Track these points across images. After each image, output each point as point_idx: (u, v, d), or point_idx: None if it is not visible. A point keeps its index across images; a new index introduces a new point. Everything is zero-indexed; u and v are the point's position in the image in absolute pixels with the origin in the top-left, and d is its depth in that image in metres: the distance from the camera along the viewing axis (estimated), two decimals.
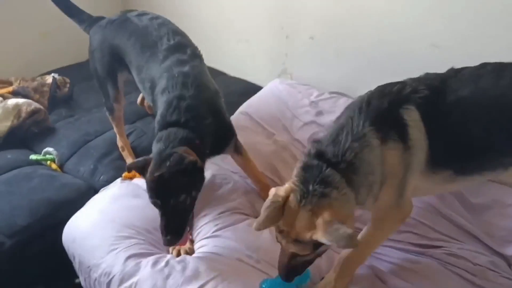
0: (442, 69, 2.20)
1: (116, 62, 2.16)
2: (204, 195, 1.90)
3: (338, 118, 1.50)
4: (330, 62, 2.73)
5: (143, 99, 2.71)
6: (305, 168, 1.37)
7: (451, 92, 1.44)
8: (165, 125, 1.69)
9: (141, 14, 2.17)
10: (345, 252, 1.55)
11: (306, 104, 2.59)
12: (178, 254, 1.76)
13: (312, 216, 1.28)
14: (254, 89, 2.90)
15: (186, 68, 1.85)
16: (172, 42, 1.98)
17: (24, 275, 2.09)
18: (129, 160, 2.38)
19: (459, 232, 1.87)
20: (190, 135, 1.66)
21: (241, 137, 2.33)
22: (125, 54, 2.09)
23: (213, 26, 3.22)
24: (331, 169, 1.33)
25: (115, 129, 2.42)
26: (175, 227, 1.57)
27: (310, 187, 1.31)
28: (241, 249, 1.74)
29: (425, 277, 1.65)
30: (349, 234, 1.22)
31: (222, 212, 1.94)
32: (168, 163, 1.54)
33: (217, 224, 1.87)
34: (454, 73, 1.50)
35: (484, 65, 1.51)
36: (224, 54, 3.25)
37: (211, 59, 3.29)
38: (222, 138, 1.93)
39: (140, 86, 2.07)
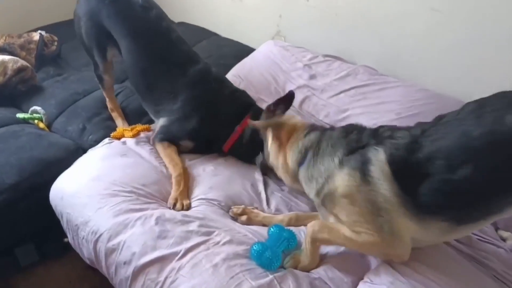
0: (441, 33, 2.20)
1: (105, 37, 2.15)
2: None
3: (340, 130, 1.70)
4: (325, 24, 2.67)
5: None
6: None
7: (432, 140, 1.40)
8: None
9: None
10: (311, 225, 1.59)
11: (300, 67, 2.55)
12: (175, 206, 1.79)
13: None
14: (247, 51, 2.85)
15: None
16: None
17: (13, 233, 2.09)
18: (118, 121, 2.36)
19: None
20: None
21: None
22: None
23: None
24: (320, 135, 1.70)
25: (104, 94, 2.40)
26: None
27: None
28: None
29: None
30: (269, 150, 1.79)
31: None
32: None
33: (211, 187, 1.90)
34: (435, 121, 1.48)
35: (465, 106, 1.45)
36: (217, 14, 3.18)
37: (203, 19, 3.24)
38: None
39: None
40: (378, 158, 1.46)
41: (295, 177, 1.74)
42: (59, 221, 1.89)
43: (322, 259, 1.60)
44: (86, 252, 1.75)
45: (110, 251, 1.62)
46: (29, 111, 2.46)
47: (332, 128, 1.76)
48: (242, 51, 2.85)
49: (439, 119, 1.46)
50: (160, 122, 2.08)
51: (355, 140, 1.57)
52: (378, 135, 1.54)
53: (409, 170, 1.41)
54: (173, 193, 1.84)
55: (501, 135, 1.29)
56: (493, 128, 1.30)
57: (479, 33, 2.08)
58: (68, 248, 1.91)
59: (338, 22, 2.61)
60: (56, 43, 2.99)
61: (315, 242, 1.55)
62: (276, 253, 1.55)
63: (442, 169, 1.35)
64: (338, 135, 1.64)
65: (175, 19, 3.28)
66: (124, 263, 1.57)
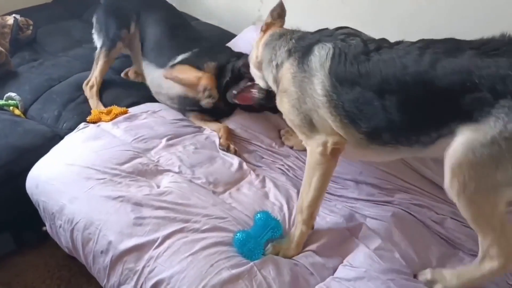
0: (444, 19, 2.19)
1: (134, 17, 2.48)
2: None
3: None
4: (306, 9, 2.64)
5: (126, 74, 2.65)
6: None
7: (378, 60, 1.47)
8: None
9: None
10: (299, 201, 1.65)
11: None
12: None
13: None
14: (228, 36, 2.81)
15: None
16: None
17: None
18: (93, 101, 2.33)
19: (426, 182, 1.90)
20: None
21: None
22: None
23: None
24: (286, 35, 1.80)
25: (98, 66, 2.41)
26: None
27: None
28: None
29: (394, 226, 1.68)
30: None
31: None
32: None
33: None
34: (391, 44, 1.54)
35: (419, 41, 1.49)
36: None
37: (183, 3, 3.18)
38: None
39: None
40: (321, 52, 1.58)
41: (259, 66, 1.87)
42: (36, 209, 1.87)
43: (303, 247, 1.61)
44: (64, 240, 1.74)
45: (86, 240, 1.61)
46: (4, 98, 2.39)
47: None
48: (223, 36, 2.81)
49: (397, 43, 1.53)
50: (178, 58, 2.30)
51: (312, 37, 1.69)
52: (334, 34, 1.64)
53: (346, 75, 1.51)
54: (223, 139, 2.08)
55: (427, 78, 1.37)
56: (425, 69, 1.37)
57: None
58: (46, 237, 1.88)
59: (320, 7, 2.59)
60: (31, 28, 2.90)
61: (308, 225, 1.62)
62: (259, 244, 1.55)
63: (373, 87, 1.45)
64: (305, 33, 1.76)
65: None
66: (101, 252, 1.56)
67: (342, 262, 1.56)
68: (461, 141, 1.35)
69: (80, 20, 3.20)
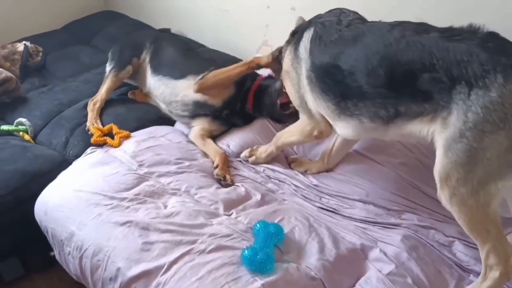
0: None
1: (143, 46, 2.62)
2: None
3: None
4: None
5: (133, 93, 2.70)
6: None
7: (347, 36, 1.62)
8: None
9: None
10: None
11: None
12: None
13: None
14: (234, 62, 2.82)
15: None
16: None
17: None
18: (91, 114, 2.36)
19: (432, 201, 1.88)
20: None
21: None
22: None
23: None
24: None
25: (105, 84, 2.48)
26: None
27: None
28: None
29: (404, 250, 1.67)
30: None
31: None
32: None
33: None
34: (363, 24, 1.68)
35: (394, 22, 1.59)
36: (203, 25, 3.17)
37: (190, 31, 3.24)
38: None
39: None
40: (306, 36, 1.73)
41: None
42: (45, 235, 1.88)
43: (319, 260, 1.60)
44: (72, 268, 1.74)
45: (95, 267, 1.61)
46: (14, 123, 2.43)
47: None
48: (229, 62, 2.82)
49: (372, 22, 1.68)
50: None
51: (307, 22, 1.84)
52: (317, 19, 1.78)
53: (320, 52, 1.67)
54: (219, 169, 2.06)
55: (391, 51, 1.47)
56: (390, 42, 1.47)
57: None
58: (54, 262, 1.88)
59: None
60: (41, 54, 2.96)
61: (278, 148, 2.06)
62: (267, 254, 1.53)
63: (340, 58, 1.59)
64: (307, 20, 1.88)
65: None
66: (110, 279, 1.56)
67: (355, 284, 1.56)
68: (440, 143, 1.40)
69: (88, 45, 3.26)
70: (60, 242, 1.74)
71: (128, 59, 2.54)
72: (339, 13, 1.76)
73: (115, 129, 2.24)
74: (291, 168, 2.13)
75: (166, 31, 3.12)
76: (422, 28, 1.47)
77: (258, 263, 1.50)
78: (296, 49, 1.78)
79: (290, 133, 2.00)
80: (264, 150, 2.10)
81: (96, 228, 1.67)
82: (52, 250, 1.88)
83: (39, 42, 3.04)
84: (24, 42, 2.92)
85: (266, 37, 2.90)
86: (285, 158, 2.22)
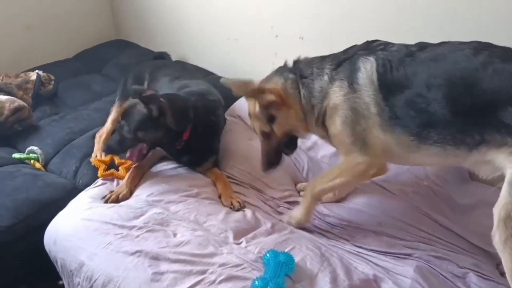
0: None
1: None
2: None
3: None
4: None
5: None
6: (283, 66, 1.91)
7: (425, 59, 1.52)
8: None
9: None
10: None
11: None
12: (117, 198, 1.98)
13: (264, 90, 1.81)
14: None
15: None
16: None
17: (7, 276, 2.05)
18: (96, 146, 2.38)
19: (445, 231, 1.88)
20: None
21: (230, 139, 2.37)
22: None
23: (201, 24, 3.19)
24: (294, 75, 1.80)
25: (111, 115, 2.49)
26: (117, 145, 2.06)
27: (274, 76, 1.87)
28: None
29: (417, 283, 1.64)
30: (265, 100, 1.79)
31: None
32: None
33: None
34: (432, 46, 1.58)
35: (472, 42, 1.52)
36: (212, 54, 3.22)
37: (199, 59, 3.28)
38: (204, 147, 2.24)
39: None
40: (367, 66, 1.58)
41: (305, 123, 1.82)
42: (54, 264, 1.87)
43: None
44: None
45: None
46: (26, 151, 2.45)
47: (297, 60, 1.86)
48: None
49: (443, 43, 1.56)
50: None
51: (341, 53, 1.72)
52: (370, 47, 1.65)
53: (394, 81, 1.53)
54: (223, 199, 2.05)
55: (476, 77, 1.39)
56: (476, 67, 1.39)
57: None
58: None
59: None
60: (53, 82, 3.01)
61: (315, 198, 1.84)
62: (278, 284, 1.51)
63: (421, 85, 1.48)
64: (319, 58, 1.77)
65: (172, 58, 3.33)
66: None
67: None
68: (509, 178, 1.34)
69: (99, 74, 3.31)
70: (70, 272, 1.73)
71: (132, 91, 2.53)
72: (385, 42, 1.67)
73: (117, 159, 2.25)
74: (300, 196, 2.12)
75: (162, 55, 3.13)
76: (510, 55, 1.41)
77: None
78: (352, 83, 1.61)
79: (333, 176, 1.79)
80: (298, 210, 1.89)
81: (105, 258, 1.66)
82: (61, 279, 1.86)
83: (51, 70, 3.09)
84: (37, 71, 2.97)
85: (275, 65, 2.91)
86: (294, 185, 2.21)
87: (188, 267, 1.61)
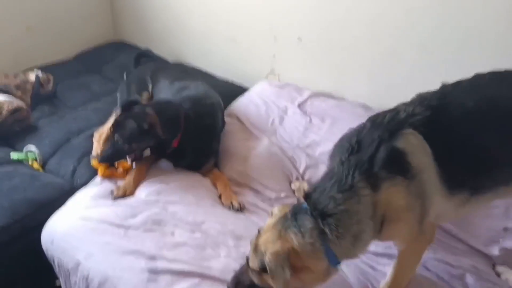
0: (428, 70, 2.24)
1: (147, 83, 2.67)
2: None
3: (332, 157, 1.48)
4: (318, 63, 2.72)
5: None
6: (296, 206, 1.43)
7: (455, 106, 1.37)
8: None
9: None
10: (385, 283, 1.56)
11: (294, 106, 2.58)
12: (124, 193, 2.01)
13: (275, 239, 1.35)
14: (241, 90, 2.88)
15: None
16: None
17: (3, 276, 2.04)
18: (97, 146, 2.34)
19: (442, 233, 1.88)
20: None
21: (227, 140, 2.36)
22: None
23: (200, 25, 3.20)
24: (311, 216, 1.35)
25: (113, 115, 2.42)
26: (110, 155, 2.10)
27: (290, 222, 1.37)
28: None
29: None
30: (285, 278, 1.29)
31: None
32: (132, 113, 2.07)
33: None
34: (452, 88, 1.44)
35: (480, 76, 1.45)
36: (211, 54, 3.22)
37: (197, 59, 3.29)
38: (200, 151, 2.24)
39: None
40: (412, 143, 1.33)
41: (331, 271, 1.43)
42: (51, 264, 1.87)
43: None
44: None
45: None
46: (24, 149, 2.45)
47: (308, 192, 1.42)
48: (236, 91, 2.88)
49: (454, 85, 1.44)
50: None
51: (360, 154, 1.36)
52: (392, 121, 1.39)
53: (442, 143, 1.35)
54: (223, 198, 2.07)
55: None
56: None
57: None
58: None
59: (330, 61, 2.66)
60: (52, 83, 3.01)
61: None
62: None
63: (470, 135, 1.34)
64: (331, 176, 1.38)
65: (170, 59, 3.34)
66: None
67: None
68: None
69: (99, 74, 3.30)
70: (67, 271, 1.73)
71: (138, 95, 2.58)
72: (400, 109, 1.43)
73: (126, 166, 2.22)
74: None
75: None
76: None
77: None
78: (404, 171, 1.32)
79: (406, 272, 1.56)
80: None
81: (102, 258, 1.66)
82: (58, 279, 1.86)
83: (50, 71, 3.08)
84: (36, 72, 2.97)
85: (273, 66, 2.94)
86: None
87: (185, 269, 1.61)
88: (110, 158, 2.13)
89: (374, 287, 1.68)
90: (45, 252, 1.87)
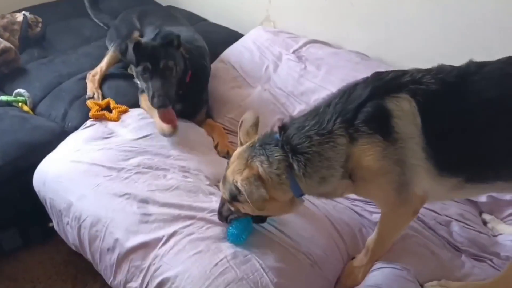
0: (429, 20, 2.18)
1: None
2: None
3: (322, 100, 1.46)
4: (314, 10, 2.64)
5: None
6: (267, 136, 1.45)
7: (472, 92, 1.27)
8: None
9: None
10: (371, 240, 1.56)
11: (289, 53, 2.53)
12: None
13: (245, 167, 1.38)
14: (235, 36, 2.81)
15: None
16: None
17: None
18: (91, 85, 2.35)
19: None
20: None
21: (220, 87, 2.33)
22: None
23: None
24: (281, 149, 1.37)
25: (106, 57, 2.46)
26: (168, 92, 1.90)
27: (258, 151, 1.39)
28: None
29: None
30: (262, 194, 1.32)
31: None
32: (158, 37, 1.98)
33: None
34: (476, 69, 1.31)
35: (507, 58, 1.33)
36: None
37: (191, 4, 3.20)
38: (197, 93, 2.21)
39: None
40: (403, 107, 1.27)
41: (296, 202, 1.48)
42: (43, 205, 1.88)
43: None
44: (70, 238, 1.75)
45: (93, 238, 1.61)
46: (13, 94, 2.40)
47: (285, 125, 1.43)
48: (230, 37, 2.81)
49: (480, 66, 1.31)
50: None
51: (342, 100, 1.34)
52: (392, 81, 1.33)
53: (440, 122, 1.28)
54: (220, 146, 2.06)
55: None
56: None
57: (469, 20, 2.08)
58: (53, 233, 1.89)
59: (327, 8, 2.59)
60: (40, 25, 2.91)
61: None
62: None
63: (481, 127, 1.26)
64: (313, 117, 1.37)
65: (163, 2, 3.23)
66: (108, 249, 1.57)
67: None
68: None
69: (89, 18, 3.19)
70: (59, 212, 1.74)
71: (128, 33, 2.50)
72: (407, 72, 1.35)
73: (112, 103, 2.22)
74: None
75: None
76: None
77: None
78: (388, 133, 1.28)
79: (387, 237, 1.53)
80: (359, 268, 1.58)
81: (94, 199, 1.67)
82: (51, 221, 1.88)
83: (39, 13, 2.98)
84: (23, 12, 2.87)
85: (269, 13, 2.86)
86: None
87: (177, 211, 1.62)
88: (170, 96, 1.93)
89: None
90: (37, 193, 1.88)
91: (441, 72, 1.32)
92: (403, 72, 1.35)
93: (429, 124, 1.28)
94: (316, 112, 1.38)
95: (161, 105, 1.90)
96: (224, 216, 1.54)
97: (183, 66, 2.04)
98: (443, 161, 1.30)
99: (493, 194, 1.82)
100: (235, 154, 1.48)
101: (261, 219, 1.56)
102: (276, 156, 1.36)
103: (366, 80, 1.37)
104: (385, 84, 1.33)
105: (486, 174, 1.34)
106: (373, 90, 1.31)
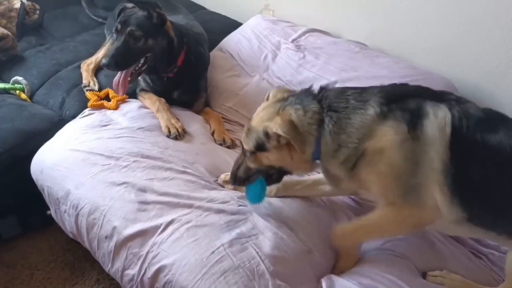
0: (430, 11, 2.16)
1: None
2: None
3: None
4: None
5: None
6: (305, 90, 1.51)
7: (504, 132, 1.28)
8: None
9: None
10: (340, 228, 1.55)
11: (288, 42, 2.52)
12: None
13: (276, 115, 1.42)
14: (234, 25, 2.79)
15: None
16: None
17: None
18: (86, 75, 2.33)
19: None
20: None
21: (218, 76, 2.31)
22: None
23: None
24: (318, 103, 1.42)
25: (103, 49, 2.43)
26: (122, 58, 1.94)
27: (294, 100, 1.45)
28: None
29: None
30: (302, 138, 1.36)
31: None
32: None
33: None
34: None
35: None
36: None
37: None
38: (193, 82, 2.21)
39: None
40: (439, 114, 1.30)
41: (312, 163, 1.50)
42: (41, 193, 1.88)
43: None
44: (68, 226, 1.75)
45: (91, 225, 1.61)
46: (11, 81, 2.40)
47: (326, 86, 1.52)
48: (229, 25, 2.80)
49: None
50: None
51: (390, 87, 1.41)
52: (437, 94, 1.38)
53: (473, 144, 1.28)
54: (216, 134, 2.06)
55: None
56: None
57: (470, 9, 2.07)
58: (51, 221, 1.89)
59: None
60: (38, 12, 2.90)
61: (344, 248, 1.53)
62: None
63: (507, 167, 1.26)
64: (357, 89, 1.42)
65: None
66: (106, 237, 1.57)
67: None
68: None
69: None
70: (56, 200, 1.74)
71: None
72: (454, 95, 1.41)
73: (111, 93, 2.21)
74: None
75: None
76: None
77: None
78: (415, 128, 1.30)
79: (373, 228, 1.48)
80: (343, 263, 1.56)
81: (92, 187, 1.66)
82: (49, 209, 1.88)
83: (36, 0, 2.96)
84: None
85: (268, 1, 2.84)
86: None
87: (175, 200, 1.62)
88: (121, 61, 1.97)
89: None
90: (35, 181, 1.88)
91: (491, 113, 1.36)
92: (455, 96, 1.41)
93: (459, 141, 1.29)
94: (361, 88, 1.44)
95: (107, 64, 1.95)
96: (240, 178, 1.56)
97: (165, 45, 2.03)
98: (460, 186, 1.28)
99: None
100: (259, 108, 1.52)
101: (277, 178, 1.57)
102: (312, 107, 1.41)
103: (416, 85, 1.45)
104: (432, 93, 1.40)
105: (497, 222, 1.33)
106: (419, 91, 1.40)
